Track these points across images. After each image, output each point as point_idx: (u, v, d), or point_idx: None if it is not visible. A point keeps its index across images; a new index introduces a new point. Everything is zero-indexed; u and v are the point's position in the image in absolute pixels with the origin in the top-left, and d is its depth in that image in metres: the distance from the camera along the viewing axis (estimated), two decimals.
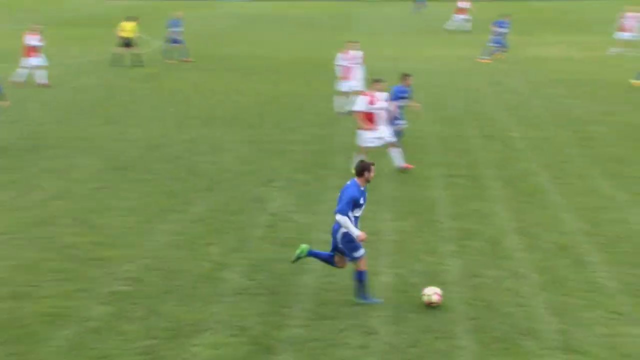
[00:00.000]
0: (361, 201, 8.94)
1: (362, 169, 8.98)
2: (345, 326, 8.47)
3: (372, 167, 9.03)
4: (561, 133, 17.49)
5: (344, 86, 19.02)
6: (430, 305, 8.82)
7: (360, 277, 8.97)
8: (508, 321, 8.54)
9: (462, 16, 37.21)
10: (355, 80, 18.93)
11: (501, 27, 28.97)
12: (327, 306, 8.95)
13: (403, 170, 14.20)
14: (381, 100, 14.22)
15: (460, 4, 37.44)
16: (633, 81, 22.98)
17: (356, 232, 8.78)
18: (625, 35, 29.30)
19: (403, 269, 9.98)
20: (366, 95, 14.29)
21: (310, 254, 9.30)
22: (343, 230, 8.85)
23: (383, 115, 14.31)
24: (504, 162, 15.14)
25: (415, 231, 11.36)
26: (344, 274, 9.47)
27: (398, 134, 14.97)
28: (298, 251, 9.30)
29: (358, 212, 8.96)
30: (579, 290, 9.20)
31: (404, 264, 10.15)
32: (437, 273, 9.84)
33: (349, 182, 9.07)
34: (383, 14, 46.07)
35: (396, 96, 15.21)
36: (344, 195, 8.86)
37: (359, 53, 19.63)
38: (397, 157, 14.26)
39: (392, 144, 14.26)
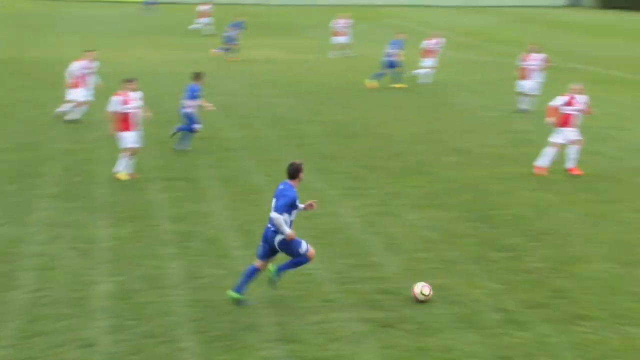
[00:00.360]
0: (297, 203, 8.83)
1: (296, 171, 8.93)
2: (61, 341, 8.07)
3: (303, 167, 8.96)
4: (273, 132, 18.28)
5: (75, 95, 17.97)
6: (427, 297, 9.14)
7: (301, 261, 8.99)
8: (230, 319, 8.73)
9: (204, 20, 37.51)
10: (86, 90, 18.11)
11: (235, 29, 29.84)
12: (40, 322, 8.46)
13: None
14: (135, 100, 13.96)
15: (202, 8, 37.75)
16: (367, 82, 24.55)
17: (287, 231, 8.70)
18: (340, 39, 31.60)
19: (123, 276, 9.75)
20: (120, 95, 13.84)
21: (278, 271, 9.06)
22: (280, 237, 8.79)
23: (138, 115, 14.04)
24: (220, 162, 15.46)
25: (133, 237, 11.16)
26: (59, 287, 9.03)
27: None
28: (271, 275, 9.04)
29: (294, 216, 8.88)
30: (294, 282, 9.67)
31: (123, 271, 9.92)
32: (158, 277, 9.76)
33: (283, 186, 8.93)
34: (102, 15, 44.57)
35: (191, 95, 15.48)
36: (284, 197, 8.75)
37: (96, 62, 18.84)
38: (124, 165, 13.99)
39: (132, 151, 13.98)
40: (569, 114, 14.96)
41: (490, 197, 13.66)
